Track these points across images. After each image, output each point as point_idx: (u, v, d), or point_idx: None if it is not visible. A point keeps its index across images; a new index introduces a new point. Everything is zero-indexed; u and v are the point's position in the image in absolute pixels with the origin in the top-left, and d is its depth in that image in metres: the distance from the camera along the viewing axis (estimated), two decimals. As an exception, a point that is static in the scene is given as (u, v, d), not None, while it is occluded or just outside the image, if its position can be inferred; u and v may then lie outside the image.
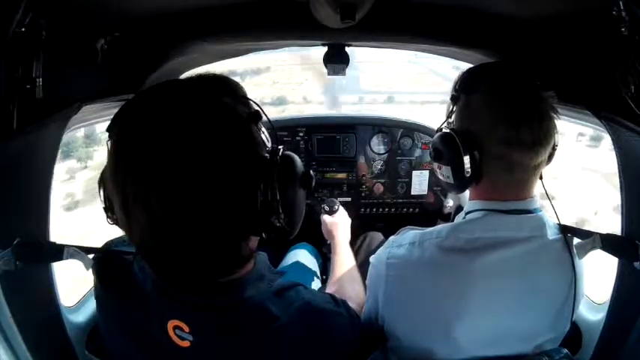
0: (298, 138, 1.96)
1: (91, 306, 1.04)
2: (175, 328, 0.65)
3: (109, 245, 0.80)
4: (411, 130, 1.99)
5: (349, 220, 1.50)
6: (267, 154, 0.62)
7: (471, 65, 0.94)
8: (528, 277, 0.80)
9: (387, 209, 2.09)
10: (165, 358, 0.68)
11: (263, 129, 0.65)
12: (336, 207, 1.50)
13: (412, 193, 2.05)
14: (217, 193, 0.56)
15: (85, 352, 0.97)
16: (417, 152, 2.01)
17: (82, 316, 1.01)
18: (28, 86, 0.68)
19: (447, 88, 0.93)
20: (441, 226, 0.86)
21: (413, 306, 0.84)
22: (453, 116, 0.87)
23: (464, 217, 0.88)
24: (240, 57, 1.62)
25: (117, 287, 0.72)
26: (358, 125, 1.98)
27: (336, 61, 1.34)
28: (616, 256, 0.82)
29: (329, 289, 1.19)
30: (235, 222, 0.59)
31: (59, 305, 0.88)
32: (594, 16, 0.76)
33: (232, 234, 0.60)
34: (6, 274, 0.69)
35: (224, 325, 0.65)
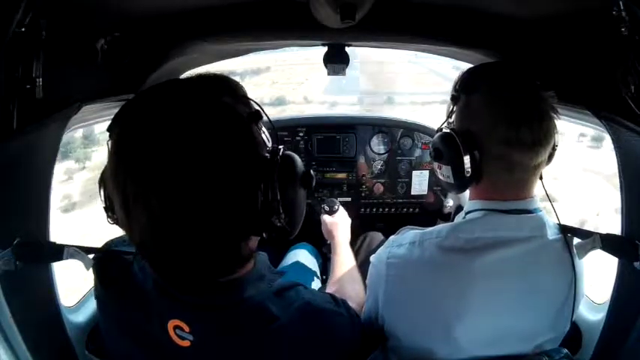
0: (298, 138, 1.96)
1: (91, 306, 1.04)
2: (175, 327, 0.65)
3: (109, 245, 0.80)
4: (411, 130, 1.99)
5: (349, 220, 1.50)
6: (267, 154, 0.62)
7: (471, 65, 0.94)
8: (528, 277, 0.80)
9: (387, 209, 2.09)
10: (166, 358, 0.68)
11: (264, 129, 0.65)
12: (336, 207, 1.50)
13: (412, 193, 2.05)
14: (218, 193, 0.56)
15: (85, 352, 0.97)
16: (417, 152, 2.01)
17: (82, 316, 1.01)
18: (28, 86, 0.68)
19: (447, 88, 0.93)
20: (441, 226, 0.86)
21: (413, 306, 0.84)
22: (453, 116, 0.88)
23: (464, 217, 0.88)
24: (240, 57, 1.62)
25: (117, 287, 0.72)
26: (358, 125, 1.98)
27: (336, 61, 1.34)
28: (616, 256, 0.81)
29: (329, 289, 1.19)
30: (236, 222, 0.59)
31: (59, 305, 0.88)
32: (594, 16, 0.76)
33: (233, 234, 0.60)
34: (6, 274, 0.69)
35: (224, 324, 0.65)
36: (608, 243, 0.80)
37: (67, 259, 0.79)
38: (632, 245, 0.76)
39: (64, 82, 0.80)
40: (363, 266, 1.19)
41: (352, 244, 1.47)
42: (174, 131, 0.54)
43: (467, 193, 0.93)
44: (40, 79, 0.69)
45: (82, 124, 1.05)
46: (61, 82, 0.77)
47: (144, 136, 0.55)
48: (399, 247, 0.87)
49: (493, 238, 0.80)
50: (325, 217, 1.47)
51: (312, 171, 0.70)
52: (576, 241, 0.84)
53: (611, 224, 0.84)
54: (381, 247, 0.92)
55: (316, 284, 1.52)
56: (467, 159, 0.80)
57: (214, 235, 0.58)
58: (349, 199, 2.03)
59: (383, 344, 0.90)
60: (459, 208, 1.97)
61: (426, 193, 2.05)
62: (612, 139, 0.80)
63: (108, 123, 0.61)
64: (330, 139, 1.97)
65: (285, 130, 1.95)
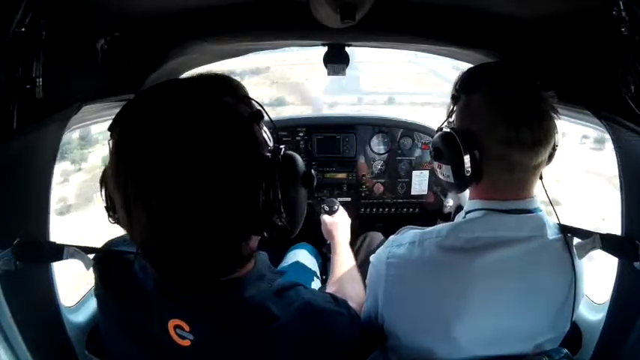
0: (298, 138, 1.96)
1: (91, 306, 1.04)
2: (176, 327, 0.65)
3: (110, 245, 0.80)
4: (411, 130, 1.99)
5: (349, 220, 1.50)
6: (268, 154, 0.62)
7: (471, 65, 0.94)
8: (528, 277, 0.80)
9: (387, 209, 2.09)
10: (166, 358, 0.68)
11: (265, 128, 0.65)
12: (336, 207, 1.50)
13: (412, 193, 2.05)
14: (219, 193, 0.56)
15: (85, 352, 0.97)
16: (417, 152, 2.01)
17: (82, 316, 1.01)
18: (28, 86, 0.68)
19: (447, 89, 0.93)
20: (441, 226, 0.86)
21: (413, 305, 0.84)
22: (454, 116, 0.88)
23: (464, 217, 0.88)
24: (240, 57, 1.62)
25: (118, 286, 0.72)
26: (358, 125, 1.98)
27: (336, 61, 1.34)
28: (616, 256, 0.82)
29: (329, 289, 1.19)
30: (237, 221, 0.59)
31: (59, 305, 0.88)
32: (594, 16, 0.76)
33: (234, 233, 0.60)
34: (6, 274, 0.69)
35: (224, 324, 0.65)
36: (608, 243, 0.80)
37: (67, 259, 0.79)
38: (632, 245, 0.76)
39: (64, 82, 0.80)
40: (363, 266, 1.19)
41: (352, 244, 1.47)
42: (176, 131, 0.54)
43: (467, 192, 0.93)
44: (40, 79, 0.69)
45: (82, 124, 1.05)
46: (61, 82, 0.77)
47: (145, 135, 0.55)
48: (399, 247, 0.87)
49: (493, 238, 0.80)
50: (325, 217, 1.47)
51: (312, 171, 0.70)
52: (576, 241, 0.84)
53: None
54: (381, 247, 0.92)
55: (316, 284, 1.52)
56: (467, 158, 0.80)
57: (215, 234, 0.58)
58: (349, 199, 2.03)
59: (383, 344, 0.90)
60: (459, 208, 1.97)
61: (426, 193, 2.05)
62: (612, 139, 0.80)
63: (108, 123, 0.61)
64: (330, 139, 1.97)
65: (285, 130, 1.95)
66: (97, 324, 1.00)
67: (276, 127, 0.67)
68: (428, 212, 2.09)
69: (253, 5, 0.95)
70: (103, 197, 0.62)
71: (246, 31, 1.08)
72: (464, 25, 1.04)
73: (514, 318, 0.80)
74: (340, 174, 2.02)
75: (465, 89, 0.85)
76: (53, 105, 0.76)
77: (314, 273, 1.58)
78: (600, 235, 0.80)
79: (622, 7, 0.64)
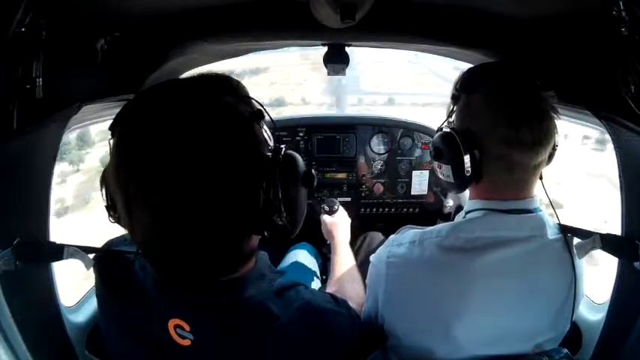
0: (298, 138, 1.96)
1: (91, 306, 1.04)
2: (176, 326, 0.65)
3: (110, 245, 0.80)
4: (411, 130, 1.99)
5: (349, 220, 1.50)
6: (269, 153, 0.62)
7: (471, 65, 0.94)
8: (528, 277, 0.80)
9: (387, 209, 2.08)
10: (166, 357, 0.68)
11: (265, 128, 0.65)
12: (336, 207, 1.50)
13: (412, 193, 2.05)
14: (220, 192, 0.56)
15: (85, 352, 0.97)
16: (417, 152, 2.01)
17: (82, 316, 1.01)
18: (28, 86, 0.68)
19: (447, 89, 0.93)
20: (441, 225, 0.86)
21: (413, 305, 0.84)
22: (454, 116, 0.88)
23: (464, 217, 0.88)
24: (240, 57, 1.62)
25: (118, 286, 0.72)
26: (358, 125, 1.98)
27: (336, 61, 1.34)
28: (616, 256, 0.82)
29: (329, 289, 1.19)
30: (238, 220, 0.59)
31: (59, 305, 0.88)
32: (594, 16, 0.76)
33: (234, 232, 0.60)
34: (6, 274, 0.69)
35: (224, 324, 0.65)
36: (608, 243, 0.80)
37: (67, 258, 0.79)
38: (632, 245, 0.76)
39: (64, 82, 0.80)
40: (363, 266, 1.19)
41: (352, 244, 1.47)
42: (176, 131, 0.55)
43: (467, 192, 0.93)
44: (40, 79, 0.69)
45: (82, 124, 1.05)
46: (61, 82, 0.77)
47: (146, 135, 0.55)
48: (399, 247, 0.87)
49: (493, 238, 0.80)
50: (325, 217, 1.47)
51: (313, 170, 0.70)
52: (576, 241, 0.84)
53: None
54: (381, 247, 0.92)
55: (316, 284, 1.52)
56: (467, 158, 0.80)
57: (216, 234, 0.58)
58: (349, 199, 2.03)
59: (383, 344, 0.90)
60: (459, 208, 1.97)
61: (426, 193, 2.05)
62: (612, 139, 0.80)
63: (108, 123, 0.61)
64: (330, 139, 1.97)
65: (285, 130, 1.95)
66: (97, 324, 1.00)
67: (276, 126, 0.67)
68: (428, 212, 2.09)
69: (253, 5, 0.95)
70: (104, 196, 0.62)
71: (246, 31, 1.08)
72: (464, 25, 1.04)
73: (514, 318, 0.80)
74: (340, 174, 2.02)
75: (465, 89, 0.85)
76: (53, 105, 0.76)
77: (314, 273, 1.58)
78: (600, 235, 0.80)
79: (622, 7, 0.64)
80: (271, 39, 1.21)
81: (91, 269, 0.77)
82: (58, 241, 0.80)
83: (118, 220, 0.62)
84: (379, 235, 1.84)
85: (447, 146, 0.84)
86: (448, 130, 0.85)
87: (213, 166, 0.55)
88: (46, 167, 0.81)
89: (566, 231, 0.84)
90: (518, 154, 0.78)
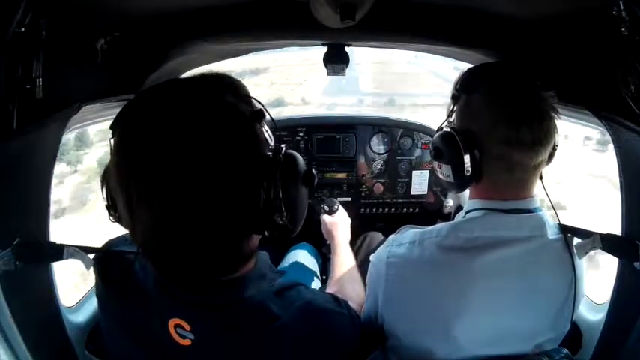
0: (298, 138, 1.96)
1: (91, 306, 1.04)
2: (176, 326, 0.65)
3: (110, 244, 0.80)
4: (411, 130, 1.99)
5: (349, 220, 1.50)
6: (269, 153, 0.62)
7: (471, 65, 0.94)
8: (528, 277, 0.80)
9: (387, 209, 2.08)
10: (166, 357, 0.68)
11: (266, 127, 0.65)
12: (336, 207, 1.50)
13: (412, 193, 2.05)
14: (220, 192, 0.56)
15: (85, 352, 0.97)
16: (417, 152, 2.01)
17: (82, 316, 1.01)
18: (28, 86, 0.68)
19: (447, 89, 0.93)
20: (441, 225, 0.86)
21: (413, 305, 0.84)
22: (454, 116, 0.88)
23: (464, 217, 0.89)
24: (240, 57, 1.62)
25: (118, 286, 0.72)
26: (358, 125, 1.98)
27: (336, 61, 1.34)
28: (616, 256, 0.82)
29: (329, 289, 1.19)
30: (238, 220, 0.59)
31: (59, 305, 0.88)
32: (594, 16, 0.76)
33: (235, 232, 0.60)
34: (6, 274, 0.69)
35: (225, 323, 0.65)
36: (608, 243, 0.80)
37: (67, 258, 0.79)
38: (632, 245, 0.76)
39: (64, 82, 0.80)
40: (363, 266, 1.19)
41: (352, 244, 1.47)
42: (177, 130, 0.55)
43: (467, 192, 0.93)
44: (40, 79, 0.69)
45: (82, 124, 1.05)
46: (61, 82, 0.77)
47: (146, 135, 0.55)
48: (399, 246, 0.87)
49: (493, 238, 0.80)
50: (325, 217, 1.47)
51: (313, 170, 0.70)
52: (576, 240, 0.84)
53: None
54: (381, 247, 0.93)
55: (316, 284, 1.52)
56: (467, 158, 0.80)
57: (217, 233, 0.58)
58: (349, 199, 2.03)
59: (383, 343, 0.90)
60: (458, 208, 1.97)
61: (426, 193, 2.05)
62: (612, 139, 0.80)
63: (108, 123, 0.61)
64: (330, 139, 1.97)
65: (285, 130, 1.95)
66: (97, 324, 1.00)
67: (276, 126, 0.67)
68: (428, 212, 2.09)
69: (253, 5, 0.95)
70: (104, 196, 0.62)
71: (246, 31, 1.08)
72: (464, 25, 1.04)
73: (514, 318, 0.80)
74: (340, 174, 2.02)
75: (465, 89, 0.85)
76: (53, 105, 0.76)
77: (314, 273, 1.58)
78: (600, 235, 0.80)
79: (622, 7, 0.64)
80: (271, 39, 1.21)
81: (91, 269, 0.77)
82: (58, 242, 0.80)
83: (118, 220, 0.62)
84: (379, 235, 1.84)
85: (447, 146, 0.84)
86: (448, 130, 0.85)
87: (214, 166, 0.55)
88: (46, 167, 0.81)
89: (566, 231, 0.84)
90: (518, 154, 0.78)
